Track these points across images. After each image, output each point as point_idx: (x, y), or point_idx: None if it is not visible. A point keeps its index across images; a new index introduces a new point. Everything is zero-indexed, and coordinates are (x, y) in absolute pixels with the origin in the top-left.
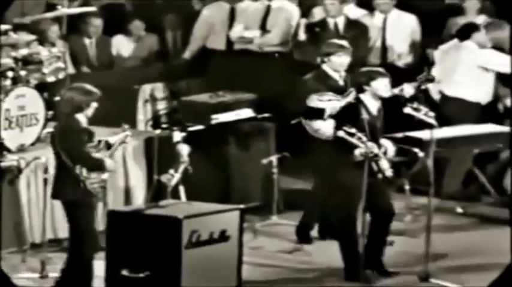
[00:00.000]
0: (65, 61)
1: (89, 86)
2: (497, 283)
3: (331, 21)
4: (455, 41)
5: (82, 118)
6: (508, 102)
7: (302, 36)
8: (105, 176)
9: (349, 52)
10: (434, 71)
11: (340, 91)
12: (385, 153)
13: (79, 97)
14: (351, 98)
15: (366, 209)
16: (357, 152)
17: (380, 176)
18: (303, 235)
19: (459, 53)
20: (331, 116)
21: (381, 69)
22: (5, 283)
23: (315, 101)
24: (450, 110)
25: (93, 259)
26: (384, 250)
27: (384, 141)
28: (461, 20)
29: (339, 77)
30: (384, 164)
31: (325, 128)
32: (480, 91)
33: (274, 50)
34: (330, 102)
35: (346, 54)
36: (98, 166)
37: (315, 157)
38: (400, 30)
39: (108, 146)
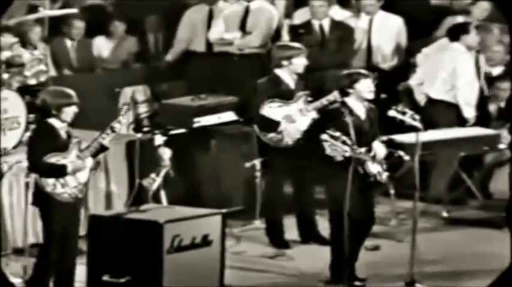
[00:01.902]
0: (47, 64)
1: (64, 90)
2: (497, 284)
3: (316, 23)
4: (443, 41)
5: (57, 123)
6: (502, 103)
7: (285, 37)
8: (83, 179)
9: (306, 54)
10: (418, 73)
11: (291, 96)
12: (374, 156)
13: (50, 100)
14: (300, 104)
15: (350, 213)
16: (339, 154)
17: (372, 180)
18: (277, 242)
19: (444, 54)
20: (317, 121)
21: (363, 71)
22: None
23: (266, 109)
24: (434, 113)
25: (73, 265)
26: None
27: (375, 145)
28: (458, 19)
29: (292, 81)
30: (374, 168)
31: (278, 136)
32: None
33: (255, 52)
34: (282, 109)
35: (305, 56)
36: (56, 173)
37: (271, 162)
38: (386, 32)
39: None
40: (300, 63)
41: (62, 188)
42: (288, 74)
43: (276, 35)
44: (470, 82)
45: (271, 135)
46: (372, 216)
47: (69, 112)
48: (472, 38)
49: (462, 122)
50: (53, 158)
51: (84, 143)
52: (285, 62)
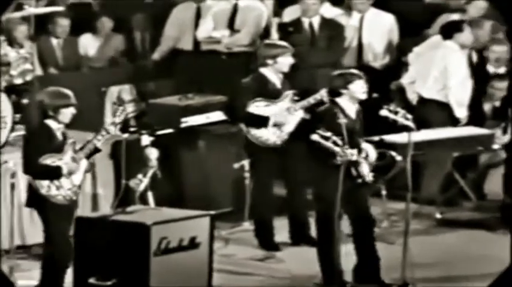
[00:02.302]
0: (33, 62)
1: (62, 90)
2: (497, 284)
3: (305, 21)
4: (435, 38)
5: (53, 124)
6: (497, 103)
7: (275, 36)
8: (77, 181)
9: (292, 53)
10: (410, 72)
11: (277, 95)
12: (366, 157)
13: (47, 101)
14: (286, 103)
15: (341, 214)
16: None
17: (359, 181)
18: (267, 244)
19: (436, 52)
20: (308, 121)
21: (356, 71)
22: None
23: (254, 107)
24: (426, 112)
25: (67, 267)
26: (379, 262)
27: (365, 146)
28: (453, 18)
29: (277, 80)
30: (364, 169)
31: (266, 135)
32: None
33: (243, 51)
34: (268, 108)
35: (290, 55)
36: (51, 175)
37: (258, 162)
38: (377, 30)
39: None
40: (285, 62)
41: (57, 190)
42: (273, 73)
43: (265, 33)
44: (462, 81)
45: (259, 134)
46: (369, 215)
47: (67, 113)
48: (466, 36)
49: (454, 121)
50: (48, 160)
51: (77, 144)
52: (270, 61)
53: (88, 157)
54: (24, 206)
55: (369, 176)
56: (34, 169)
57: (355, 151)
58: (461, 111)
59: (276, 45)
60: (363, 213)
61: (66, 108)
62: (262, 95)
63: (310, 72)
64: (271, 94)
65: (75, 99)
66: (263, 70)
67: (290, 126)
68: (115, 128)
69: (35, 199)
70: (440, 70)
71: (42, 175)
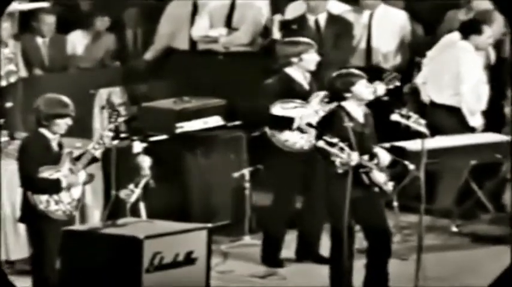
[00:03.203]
0: (17, 63)
1: (61, 99)
2: (497, 284)
3: (311, 18)
4: (448, 38)
5: (49, 134)
6: None
7: (276, 34)
8: (76, 195)
9: (316, 50)
10: (422, 74)
11: (305, 96)
12: (377, 164)
13: (42, 108)
14: (315, 104)
15: (352, 227)
16: (337, 162)
17: (376, 190)
18: (271, 259)
19: (449, 53)
20: (310, 126)
21: (355, 71)
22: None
23: (278, 108)
24: (438, 118)
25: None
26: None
27: (378, 151)
28: (461, 14)
29: (304, 80)
30: (379, 177)
31: (294, 138)
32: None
33: (242, 50)
34: (296, 110)
35: (315, 52)
36: (51, 189)
37: (283, 170)
38: (388, 28)
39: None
40: (310, 59)
41: (56, 205)
42: (299, 72)
43: (266, 32)
44: (476, 86)
45: (285, 137)
46: (385, 227)
47: (62, 124)
48: (483, 39)
49: (469, 129)
50: (46, 173)
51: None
52: (294, 59)
53: (85, 167)
54: (17, 221)
55: (386, 185)
56: (32, 183)
57: (365, 157)
58: (475, 120)
59: (299, 42)
60: (379, 226)
61: (61, 119)
62: (289, 97)
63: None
64: (299, 95)
65: (73, 110)
66: (288, 70)
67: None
68: (112, 134)
69: (31, 215)
70: (453, 74)
71: (41, 189)
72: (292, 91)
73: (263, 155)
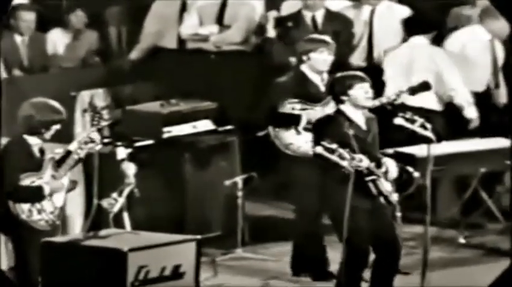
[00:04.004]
0: None
1: (55, 105)
2: (497, 284)
3: (307, 15)
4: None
5: (34, 140)
6: None
7: (271, 32)
8: (59, 203)
9: (333, 49)
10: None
11: (320, 98)
12: (385, 173)
13: (38, 117)
14: (330, 109)
15: (349, 237)
16: (344, 163)
17: (382, 200)
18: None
19: (419, 51)
20: (308, 130)
21: (358, 73)
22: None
23: (287, 108)
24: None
25: None
26: None
27: (387, 161)
28: (465, 11)
29: (320, 81)
30: (386, 186)
31: (298, 142)
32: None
33: (234, 49)
34: (306, 112)
35: (328, 51)
36: (33, 198)
37: (290, 177)
38: (390, 25)
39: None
40: (319, 58)
41: (39, 215)
42: (314, 73)
43: (260, 29)
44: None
45: (289, 140)
46: (394, 241)
47: (53, 131)
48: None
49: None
50: (27, 180)
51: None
52: (304, 57)
53: (69, 170)
54: None
55: (392, 196)
56: (14, 192)
57: (372, 165)
58: (471, 111)
59: (312, 40)
60: (387, 239)
61: (55, 125)
62: (302, 98)
63: None
64: (312, 97)
65: (65, 114)
66: (304, 68)
67: None
68: (100, 135)
69: (13, 225)
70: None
71: (23, 198)
72: (305, 92)
73: (265, 160)
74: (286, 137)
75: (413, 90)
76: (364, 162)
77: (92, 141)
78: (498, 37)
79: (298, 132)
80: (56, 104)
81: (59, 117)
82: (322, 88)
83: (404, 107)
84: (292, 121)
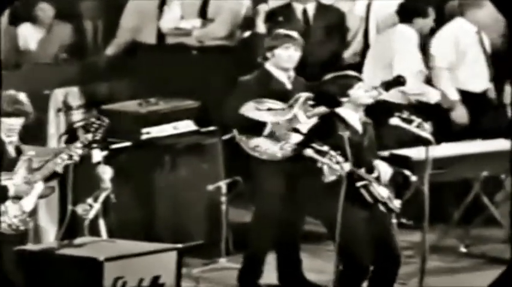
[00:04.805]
0: None
1: (19, 97)
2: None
3: (298, 8)
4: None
5: (4, 137)
6: None
7: (261, 27)
8: (28, 208)
9: (300, 45)
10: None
11: (286, 97)
12: (377, 178)
13: (4, 108)
14: (296, 109)
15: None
16: (325, 169)
17: (382, 208)
18: (248, 285)
19: (391, 38)
20: (297, 132)
21: (352, 72)
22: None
23: (252, 109)
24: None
25: None
26: None
27: (378, 163)
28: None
29: (287, 79)
30: (381, 191)
31: (265, 144)
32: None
33: (218, 44)
34: (271, 112)
35: (295, 47)
36: None
37: (257, 180)
38: (388, 20)
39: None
40: (283, 55)
41: (0, 217)
42: (279, 70)
43: (248, 23)
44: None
45: (255, 143)
46: (393, 252)
47: (15, 125)
48: (428, 23)
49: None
50: None
51: (37, 161)
52: (268, 54)
53: (46, 179)
54: None
55: (392, 203)
56: None
57: (362, 170)
58: (452, 93)
59: (278, 35)
60: (385, 249)
61: (13, 119)
62: (267, 97)
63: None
64: (278, 96)
65: (30, 108)
66: (268, 66)
67: (298, 136)
68: (82, 150)
69: None
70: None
71: None
72: (271, 91)
73: (241, 164)
74: (252, 139)
75: (388, 85)
76: (345, 166)
77: (71, 158)
78: (485, 27)
79: (260, 135)
80: (21, 96)
81: (21, 109)
82: (289, 86)
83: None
84: (256, 127)
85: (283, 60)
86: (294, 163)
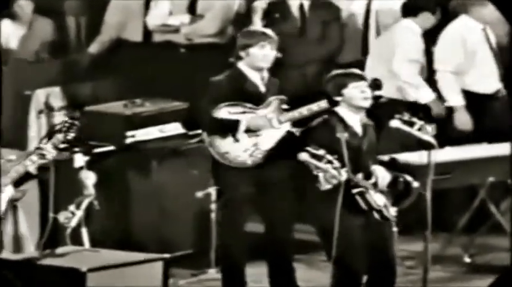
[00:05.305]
0: None
1: None
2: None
3: (294, 4)
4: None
5: None
6: None
7: (258, 24)
8: None
9: (276, 44)
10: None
11: (259, 100)
12: (375, 184)
13: None
14: (270, 111)
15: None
16: (320, 177)
17: (376, 216)
18: None
19: (394, 33)
20: (291, 134)
21: (353, 70)
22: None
23: (223, 112)
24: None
25: None
26: None
27: (376, 169)
28: None
29: (260, 80)
30: (377, 199)
31: (236, 151)
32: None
33: (208, 42)
34: (245, 116)
35: (271, 46)
36: None
37: (225, 188)
38: (389, 17)
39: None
40: (258, 54)
41: None
42: (252, 70)
43: (244, 20)
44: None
45: (225, 149)
46: (390, 261)
47: None
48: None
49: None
50: None
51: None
52: (242, 53)
53: (18, 183)
54: None
55: (388, 210)
56: None
57: (360, 176)
58: (421, 94)
59: (251, 33)
60: (382, 258)
61: None
62: (239, 99)
63: (298, 71)
64: (251, 98)
65: None
66: (241, 65)
67: (269, 143)
68: (56, 150)
69: None
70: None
71: None
72: (243, 92)
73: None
74: (222, 145)
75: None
76: (343, 173)
77: (43, 157)
78: (491, 24)
79: (236, 140)
80: None
81: None
82: (262, 88)
83: None
84: (229, 127)
85: (258, 60)
86: (266, 170)
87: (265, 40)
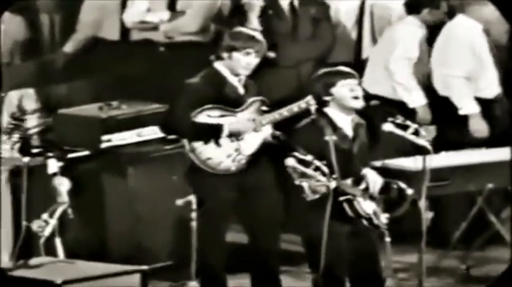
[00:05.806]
0: None
1: None
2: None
3: (285, 1)
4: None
5: None
6: None
7: (254, 22)
8: None
9: (262, 50)
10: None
11: (240, 102)
12: (366, 189)
13: None
14: (250, 114)
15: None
16: (305, 187)
17: (365, 223)
18: None
19: (394, 32)
20: (277, 138)
21: (342, 68)
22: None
23: (203, 116)
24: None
25: None
26: None
27: (368, 173)
28: None
29: (238, 82)
30: (366, 206)
31: (219, 157)
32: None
33: (190, 40)
34: (225, 119)
35: (256, 53)
36: None
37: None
38: (384, 14)
39: None
40: (241, 60)
41: None
42: (231, 73)
43: (240, 18)
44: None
45: (207, 155)
46: (376, 273)
47: None
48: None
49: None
50: None
51: None
52: (224, 54)
53: None
54: None
55: (378, 217)
56: None
57: (349, 181)
58: (412, 98)
59: (240, 35)
60: (367, 270)
61: None
62: (217, 102)
63: (289, 71)
64: (230, 101)
65: None
66: (219, 66)
67: (251, 147)
68: (11, 149)
69: None
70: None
71: None
72: (221, 94)
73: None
74: (204, 151)
75: None
76: (331, 182)
77: None
78: (490, 23)
79: (219, 145)
80: None
81: None
82: (241, 90)
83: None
84: (211, 132)
85: (239, 66)
86: (248, 176)
87: (252, 47)
